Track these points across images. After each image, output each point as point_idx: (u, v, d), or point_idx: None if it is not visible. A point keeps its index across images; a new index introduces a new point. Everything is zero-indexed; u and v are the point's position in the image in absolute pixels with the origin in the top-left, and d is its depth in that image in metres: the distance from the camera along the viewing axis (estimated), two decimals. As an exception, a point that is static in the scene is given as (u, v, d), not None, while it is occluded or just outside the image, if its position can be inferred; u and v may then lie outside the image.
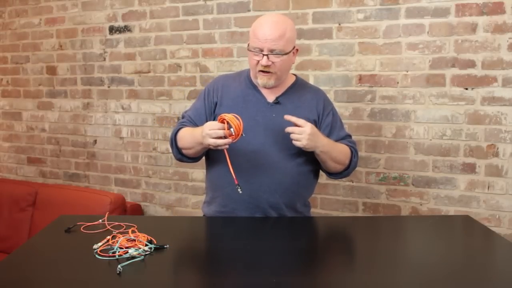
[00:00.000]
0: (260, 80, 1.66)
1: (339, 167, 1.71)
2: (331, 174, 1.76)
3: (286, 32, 1.61)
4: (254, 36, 1.61)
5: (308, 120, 1.62)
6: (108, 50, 2.94)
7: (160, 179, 2.89)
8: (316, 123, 1.71)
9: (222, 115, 1.51)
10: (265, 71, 1.63)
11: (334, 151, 1.66)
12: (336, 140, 1.72)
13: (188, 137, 1.66)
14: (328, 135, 1.70)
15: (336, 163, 1.69)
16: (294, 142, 1.56)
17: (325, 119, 1.74)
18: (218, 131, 1.50)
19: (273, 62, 1.61)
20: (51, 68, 3.14)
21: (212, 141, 1.50)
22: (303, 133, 1.54)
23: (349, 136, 1.80)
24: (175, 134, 1.72)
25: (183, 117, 1.80)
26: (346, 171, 1.74)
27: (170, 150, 1.79)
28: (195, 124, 1.72)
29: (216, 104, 1.73)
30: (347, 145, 1.73)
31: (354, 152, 1.73)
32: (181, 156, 1.73)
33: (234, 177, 1.53)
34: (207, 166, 1.80)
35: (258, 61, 1.62)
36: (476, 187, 2.19)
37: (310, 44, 2.42)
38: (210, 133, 1.50)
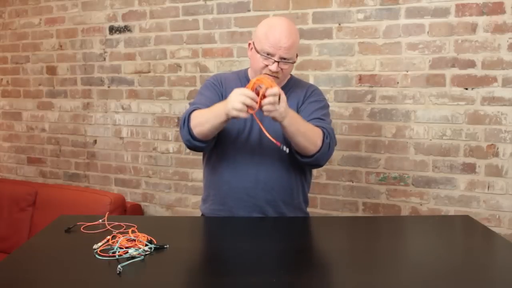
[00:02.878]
0: None
1: (310, 147, 1.57)
2: (303, 157, 1.62)
3: (296, 40, 1.63)
4: (267, 41, 1.58)
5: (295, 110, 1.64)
6: (108, 50, 2.94)
7: (160, 179, 2.89)
8: (297, 108, 1.69)
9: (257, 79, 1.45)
10: (271, 75, 1.61)
11: (303, 125, 1.56)
12: (309, 120, 1.63)
13: (206, 112, 1.57)
14: (302, 115, 1.64)
15: (306, 140, 1.56)
16: (268, 113, 1.45)
17: (306, 101, 1.70)
18: (249, 96, 1.42)
19: (281, 69, 1.61)
20: (51, 68, 3.14)
21: (239, 105, 1.42)
22: (281, 101, 1.44)
23: (330, 128, 1.66)
24: (189, 114, 1.60)
25: (193, 104, 1.67)
26: (318, 154, 1.59)
27: (180, 133, 1.65)
28: None
29: (222, 95, 1.70)
30: (319, 126, 1.61)
31: (326, 134, 1.60)
32: (190, 137, 1.60)
33: (275, 140, 1.48)
34: (204, 165, 1.80)
35: (266, 65, 1.60)
36: (476, 187, 2.19)
37: (310, 44, 2.42)
38: (242, 98, 1.42)
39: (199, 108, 1.62)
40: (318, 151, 1.59)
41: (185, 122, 1.60)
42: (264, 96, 1.43)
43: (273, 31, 1.59)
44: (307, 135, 1.57)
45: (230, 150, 1.66)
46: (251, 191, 1.65)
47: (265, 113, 1.45)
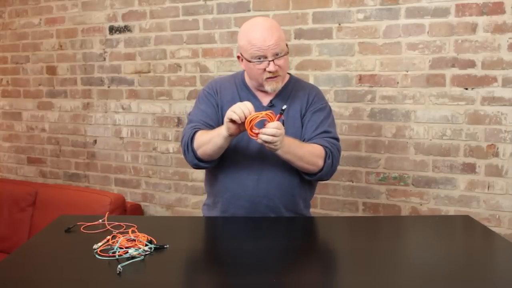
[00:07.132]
0: (270, 86, 1.62)
1: (311, 168, 1.61)
2: (305, 174, 1.65)
3: (280, 32, 1.61)
4: (253, 46, 1.56)
5: (298, 117, 1.66)
6: (108, 50, 2.94)
7: (160, 179, 2.89)
8: (301, 115, 1.69)
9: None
10: (273, 76, 1.60)
11: (300, 150, 1.57)
12: (315, 135, 1.65)
13: (209, 133, 1.58)
14: (307, 127, 1.66)
15: (305, 163, 1.59)
16: (269, 146, 1.48)
17: (310, 110, 1.69)
18: (247, 109, 1.44)
19: (279, 65, 1.59)
20: (51, 68, 3.14)
21: (234, 115, 1.44)
22: (280, 135, 1.46)
23: (336, 139, 1.68)
24: (191, 138, 1.61)
25: (191, 121, 1.70)
26: (320, 173, 1.62)
27: (184, 157, 1.66)
28: (210, 126, 1.65)
29: (217, 105, 1.71)
30: (322, 145, 1.62)
31: (329, 153, 1.61)
32: (198, 160, 1.63)
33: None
34: (206, 172, 1.79)
35: (264, 69, 1.59)
36: (476, 187, 2.19)
37: (310, 44, 2.42)
38: (242, 107, 1.45)
39: (198, 128, 1.63)
40: (320, 171, 1.62)
41: (188, 146, 1.61)
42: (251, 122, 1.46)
43: (254, 35, 1.57)
44: (306, 159, 1.59)
45: (231, 157, 1.65)
46: (253, 199, 1.64)
47: (258, 141, 1.47)
